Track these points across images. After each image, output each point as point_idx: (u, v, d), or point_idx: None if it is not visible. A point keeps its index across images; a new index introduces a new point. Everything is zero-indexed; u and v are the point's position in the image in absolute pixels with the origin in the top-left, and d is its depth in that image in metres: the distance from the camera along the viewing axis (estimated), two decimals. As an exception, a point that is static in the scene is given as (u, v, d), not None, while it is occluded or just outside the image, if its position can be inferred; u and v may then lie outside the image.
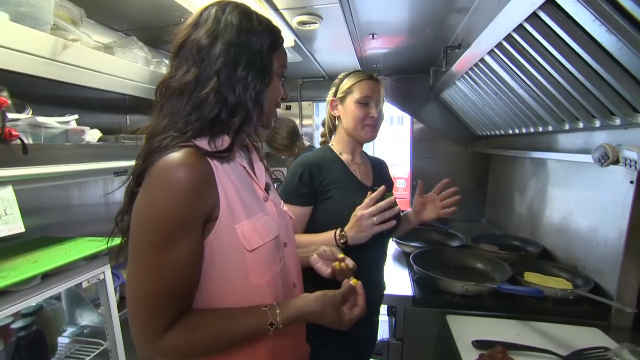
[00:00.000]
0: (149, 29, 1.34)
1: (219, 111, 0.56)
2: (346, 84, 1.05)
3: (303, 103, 2.56)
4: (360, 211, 0.91)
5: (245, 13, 0.60)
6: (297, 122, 2.57)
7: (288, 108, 2.58)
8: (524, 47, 0.97)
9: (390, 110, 2.47)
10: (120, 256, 0.58)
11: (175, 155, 0.52)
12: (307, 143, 2.06)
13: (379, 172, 1.15)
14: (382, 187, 0.91)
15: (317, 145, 2.59)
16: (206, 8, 0.60)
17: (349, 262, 0.76)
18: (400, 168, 5.55)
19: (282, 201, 0.94)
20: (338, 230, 0.93)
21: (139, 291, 0.52)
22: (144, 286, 0.52)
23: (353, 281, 0.68)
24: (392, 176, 1.21)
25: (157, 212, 0.50)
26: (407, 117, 2.56)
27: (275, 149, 2.04)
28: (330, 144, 1.10)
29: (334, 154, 1.07)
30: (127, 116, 1.55)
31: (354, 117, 1.03)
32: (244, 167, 0.63)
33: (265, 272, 0.60)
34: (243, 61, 0.57)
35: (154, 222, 0.50)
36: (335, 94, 1.08)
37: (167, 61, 1.46)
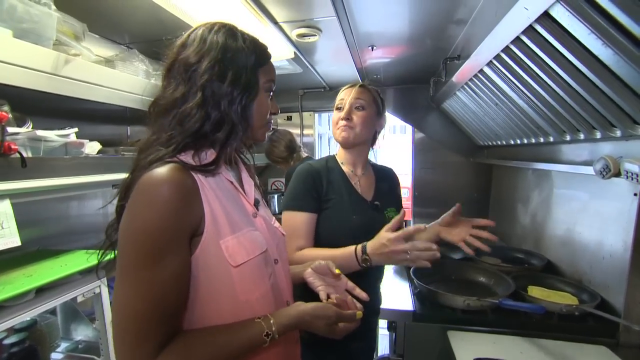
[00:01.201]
0: (150, 42, 1.37)
1: (202, 125, 0.57)
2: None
3: (304, 114, 2.58)
4: (393, 244, 0.85)
5: (231, 32, 0.62)
6: (298, 132, 2.60)
7: (289, 119, 2.60)
8: (521, 59, 0.97)
9: (393, 119, 2.49)
10: (109, 271, 0.58)
11: (159, 170, 0.53)
12: (304, 154, 2.07)
13: (383, 184, 1.11)
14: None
15: (318, 157, 2.60)
16: (194, 30, 0.63)
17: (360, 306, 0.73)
18: (402, 177, 5.51)
19: (292, 210, 0.97)
20: (359, 249, 0.89)
21: (124, 312, 0.51)
22: (131, 306, 0.50)
23: (358, 314, 0.69)
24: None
25: (142, 227, 0.50)
26: (409, 126, 2.57)
27: (273, 161, 2.07)
28: (335, 154, 1.12)
29: (336, 163, 1.08)
30: (128, 127, 1.57)
31: (333, 121, 1.07)
32: (232, 183, 0.64)
33: (253, 288, 0.60)
34: (228, 77, 0.59)
35: (139, 236, 0.50)
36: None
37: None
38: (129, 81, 1.18)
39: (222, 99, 0.58)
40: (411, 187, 2.53)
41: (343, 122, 1.03)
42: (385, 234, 0.87)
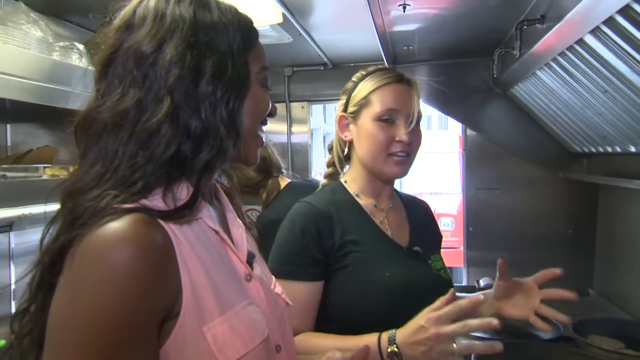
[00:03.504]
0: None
1: (179, 145, 0.59)
2: (361, 91, 1.08)
3: (293, 104, 2.58)
4: (435, 326, 0.85)
5: (200, 1, 0.64)
6: (284, 130, 2.59)
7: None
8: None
9: (426, 109, 2.48)
10: None
11: (116, 227, 0.53)
12: (287, 178, 2.02)
13: (418, 220, 1.17)
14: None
15: (314, 177, 2.56)
16: (141, 1, 0.64)
17: None
18: (445, 200, 5.48)
19: (282, 278, 0.99)
20: (385, 339, 0.90)
21: None
22: None
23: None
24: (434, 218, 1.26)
25: (93, 316, 0.51)
26: (453, 120, 2.59)
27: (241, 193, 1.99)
28: (342, 180, 1.13)
29: (349, 196, 1.11)
30: (7, 126, 1.52)
31: (372, 142, 1.05)
32: (217, 232, 0.66)
33: None
34: (207, 69, 0.61)
35: (89, 330, 0.51)
36: (345, 108, 1.11)
37: (80, 46, 1.48)
38: (13, 57, 1.14)
39: (201, 103, 0.60)
40: (462, 218, 2.53)
41: (400, 149, 1.04)
42: (422, 314, 0.89)
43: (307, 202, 1.06)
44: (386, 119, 1.04)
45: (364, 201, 1.10)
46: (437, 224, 1.28)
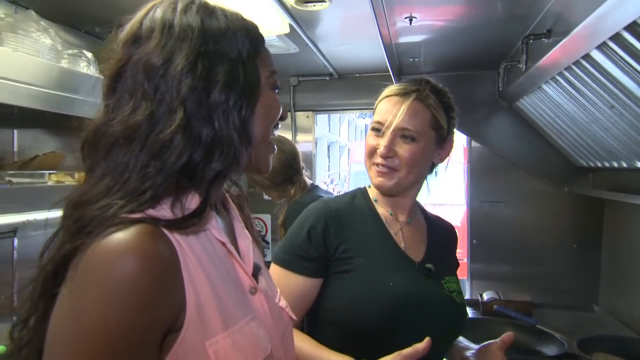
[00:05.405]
0: (62, -1, 1.37)
1: (191, 155, 0.59)
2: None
3: (298, 113, 2.60)
4: None
5: (206, 8, 0.64)
6: (290, 138, 2.59)
7: (275, 123, 2.62)
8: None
9: None
10: None
11: (120, 238, 0.53)
12: (309, 181, 2.04)
13: (439, 241, 1.14)
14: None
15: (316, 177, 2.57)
16: (146, 13, 0.63)
17: None
18: (448, 211, 5.45)
19: (280, 266, 1.01)
20: None
21: None
22: None
23: None
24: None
25: (94, 327, 0.51)
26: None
27: (259, 184, 2.00)
28: (367, 185, 1.15)
29: (368, 202, 1.11)
30: (15, 132, 1.52)
31: (365, 149, 1.10)
32: (224, 244, 0.66)
33: None
34: (219, 77, 0.61)
35: (89, 342, 0.51)
36: None
37: (89, 54, 1.49)
38: (23, 64, 1.15)
39: (213, 111, 0.60)
40: (466, 230, 2.50)
41: (380, 161, 1.04)
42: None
43: (324, 201, 1.09)
44: (376, 129, 1.07)
45: (382, 209, 1.10)
46: (455, 250, 1.24)
